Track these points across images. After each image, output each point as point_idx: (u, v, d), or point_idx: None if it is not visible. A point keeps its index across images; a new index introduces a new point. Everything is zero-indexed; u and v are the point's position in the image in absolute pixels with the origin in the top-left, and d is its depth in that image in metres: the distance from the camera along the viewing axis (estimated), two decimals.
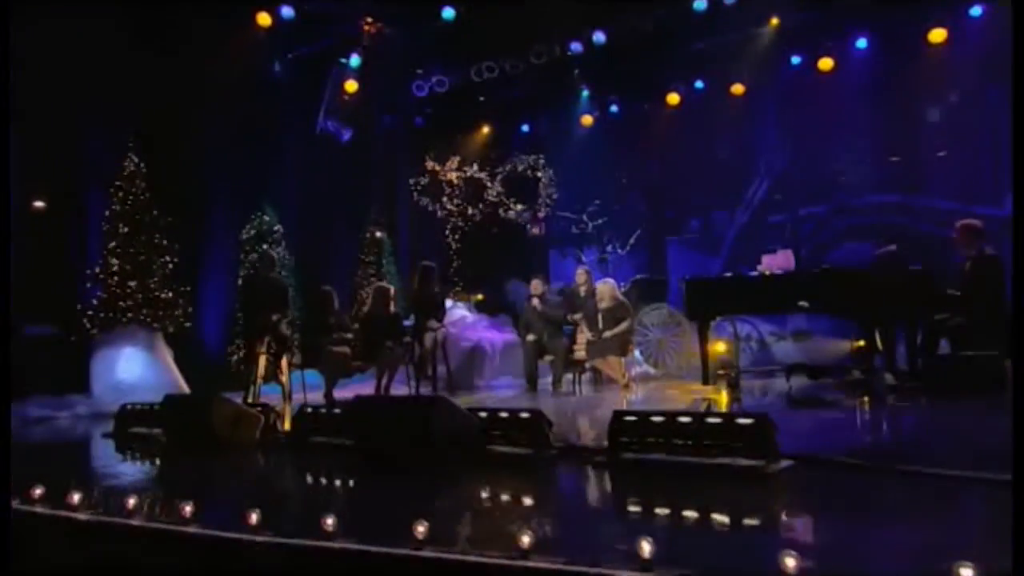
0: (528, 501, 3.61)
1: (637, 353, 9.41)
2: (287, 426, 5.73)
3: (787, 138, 11.70)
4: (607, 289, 8.59)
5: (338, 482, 4.32)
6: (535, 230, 11.28)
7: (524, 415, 4.40)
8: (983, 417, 5.19)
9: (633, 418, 4.02)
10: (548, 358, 8.66)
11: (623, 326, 8.35)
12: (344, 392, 8.69)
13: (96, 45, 8.89)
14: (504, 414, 4.48)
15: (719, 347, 9.61)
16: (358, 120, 11.73)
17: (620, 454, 4.01)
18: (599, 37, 10.77)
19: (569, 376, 8.60)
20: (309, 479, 4.47)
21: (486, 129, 12.52)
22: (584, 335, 8.63)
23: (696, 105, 11.86)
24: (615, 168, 12.60)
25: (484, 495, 3.71)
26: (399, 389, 8.51)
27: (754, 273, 7.81)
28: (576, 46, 10.95)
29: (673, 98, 11.79)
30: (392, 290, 8.65)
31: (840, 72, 10.88)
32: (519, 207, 12.33)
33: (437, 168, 11.75)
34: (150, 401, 6.40)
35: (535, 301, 8.48)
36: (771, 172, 11.93)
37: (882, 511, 3.05)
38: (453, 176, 11.76)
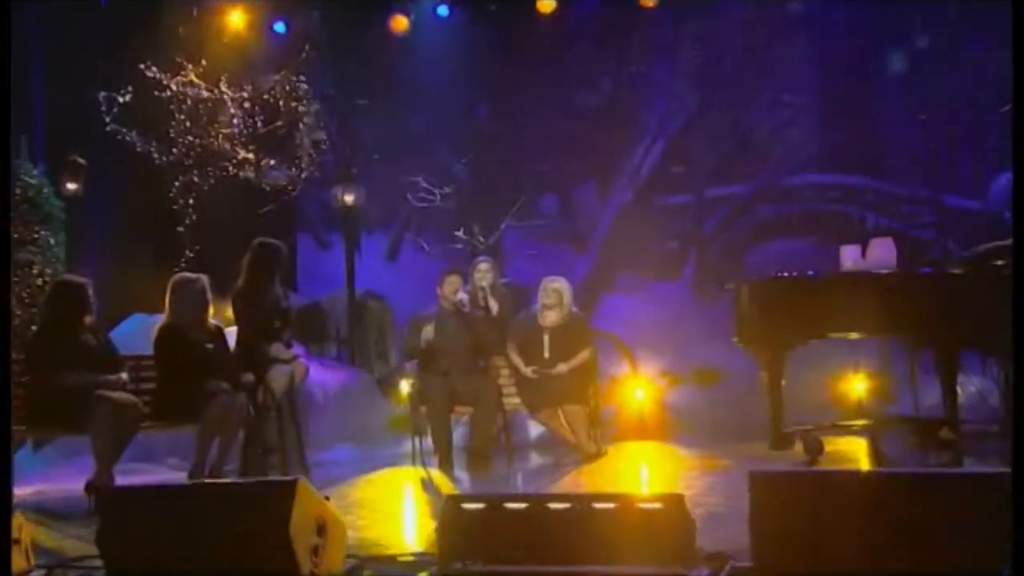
0: None
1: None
2: None
3: (698, 80, 11.37)
4: (557, 293, 7.38)
5: None
6: (347, 197, 9.55)
7: None
8: None
9: None
10: (465, 409, 7.40)
11: (584, 355, 7.24)
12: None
13: None
14: None
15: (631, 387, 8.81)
16: None
17: None
18: None
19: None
20: None
21: (235, 20, 10.30)
22: (510, 369, 7.52)
23: (578, 17, 11.00)
24: (427, 106, 11.56)
25: None
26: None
27: (860, 270, 6.71)
28: None
29: (545, 4, 10.57)
30: (205, 283, 6.63)
31: None
32: (269, 163, 10.35)
33: (160, 76, 9.53)
34: None
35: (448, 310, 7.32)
36: (667, 129, 11.59)
37: None
38: (180, 89, 9.54)
